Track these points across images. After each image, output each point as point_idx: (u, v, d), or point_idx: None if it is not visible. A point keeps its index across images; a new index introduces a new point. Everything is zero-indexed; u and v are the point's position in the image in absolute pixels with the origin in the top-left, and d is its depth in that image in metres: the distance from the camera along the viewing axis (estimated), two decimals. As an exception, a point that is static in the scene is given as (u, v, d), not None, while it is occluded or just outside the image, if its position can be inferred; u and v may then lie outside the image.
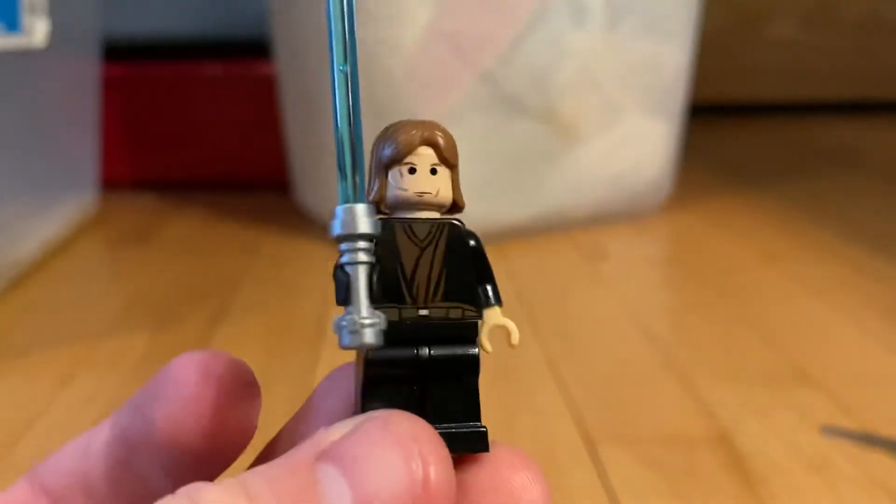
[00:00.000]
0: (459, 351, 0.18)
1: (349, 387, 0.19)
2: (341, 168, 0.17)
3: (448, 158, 0.19)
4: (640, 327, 0.57)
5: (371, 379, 0.18)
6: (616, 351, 0.54)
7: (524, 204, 0.75)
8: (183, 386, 0.18)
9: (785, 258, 0.71)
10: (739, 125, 1.34)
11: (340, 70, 0.18)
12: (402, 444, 0.15)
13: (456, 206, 0.19)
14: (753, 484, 0.38)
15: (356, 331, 0.16)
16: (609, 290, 0.65)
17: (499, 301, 0.19)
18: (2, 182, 0.63)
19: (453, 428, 0.18)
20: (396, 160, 0.18)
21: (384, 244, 0.18)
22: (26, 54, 0.63)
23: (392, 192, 0.18)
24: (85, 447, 0.20)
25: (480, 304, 0.19)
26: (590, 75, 0.75)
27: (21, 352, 0.53)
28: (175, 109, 0.93)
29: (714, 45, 1.16)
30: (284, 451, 0.16)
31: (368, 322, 0.16)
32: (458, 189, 0.19)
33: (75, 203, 0.79)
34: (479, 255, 0.19)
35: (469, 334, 0.18)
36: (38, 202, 0.71)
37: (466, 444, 0.18)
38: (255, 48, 0.90)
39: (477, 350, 0.18)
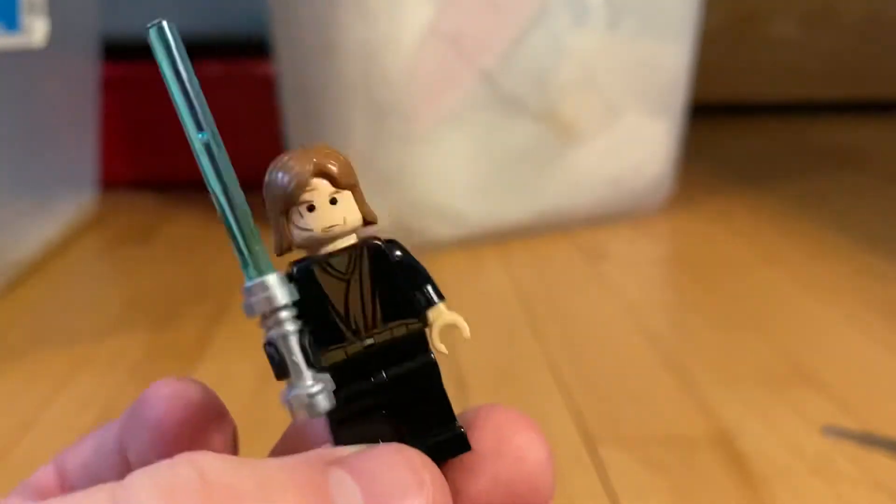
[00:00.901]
0: (414, 363, 0.18)
1: None
2: (237, 246, 0.16)
3: (343, 181, 0.18)
4: (640, 327, 0.57)
5: (337, 420, 0.17)
6: (616, 351, 0.54)
7: (524, 204, 0.75)
8: (154, 417, 0.19)
9: (785, 258, 0.71)
10: (739, 125, 1.34)
11: (200, 140, 0.17)
12: (414, 467, 0.16)
13: (368, 223, 0.18)
14: (754, 484, 0.38)
15: (306, 403, 0.16)
16: (609, 290, 0.65)
17: (440, 297, 0.19)
18: (1, 182, 0.63)
19: (432, 438, 0.18)
20: (292, 201, 0.18)
21: (308, 289, 0.17)
22: (26, 54, 0.63)
23: (297, 234, 0.18)
24: (99, 443, 0.20)
25: (421, 310, 0.18)
26: (590, 75, 0.75)
27: (20, 352, 0.53)
28: (175, 109, 0.93)
29: (714, 45, 1.16)
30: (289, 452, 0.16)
31: (316, 390, 0.16)
32: (364, 204, 0.18)
33: (75, 203, 0.79)
34: (405, 264, 0.18)
35: (420, 344, 0.18)
36: (38, 202, 0.71)
37: (450, 450, 0.18)
38: (255, 48, 0.90)
39: (432, 355, 0.18)
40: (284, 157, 0.18)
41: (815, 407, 0.45)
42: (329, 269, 0.18)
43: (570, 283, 0.67)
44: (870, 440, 0.41)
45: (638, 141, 0.80)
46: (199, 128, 0.17)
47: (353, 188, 0.18)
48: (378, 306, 0.18)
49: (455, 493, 0.18)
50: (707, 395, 0.46)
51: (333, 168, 0.18)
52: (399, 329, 0.18)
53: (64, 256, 0.72)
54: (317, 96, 0.73)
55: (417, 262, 0.19)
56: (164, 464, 0.14)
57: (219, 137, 0.17)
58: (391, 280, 0.18)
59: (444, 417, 0.18)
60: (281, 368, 0.16)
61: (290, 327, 0.16)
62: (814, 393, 0.47)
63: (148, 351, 0.53)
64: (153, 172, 0.95)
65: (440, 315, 0.18)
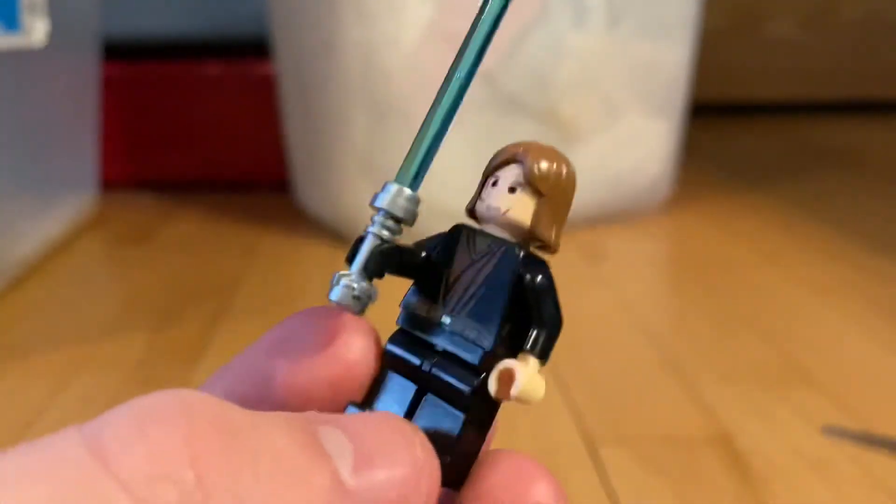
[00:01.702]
0: (454, 377, 0.17)
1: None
2: (415, 153, 0.18)
3: (535, 184, 0.17)
4: (640, 327, 0.57)
5: (383, 362, 0.18)
6: (616, 351, 0.54)
7: (524, 204, 0.75)
8: (304, 341, 0.18)
9: (785, 258, 0.71)
10: (739, 125, 1.34)
11: (458, 77, 0.19)
12: (406, 432, 0.15)
13: (533, 239, 0.18)
14: (754, 484, 0.38)
15: (341, 289, 0.17)
16: (609, 290, 0.65)
17: (539, 352, 0.17)
18: (2, 182, 0.63)
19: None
20: (488, 172, 0.18)
21: (446, 247, 0.18)
22: (26, 54, 0.63)
23: (478, 201, 0.18)
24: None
25: (499, 336, 0.17)
26: (590, 75, 0.75)
27: (21, 351, 0.53)
28: (175, 109, 0.93)
29: (714, 45, 1.16)
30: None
31: (353, 286, 0.17)
32: (545, 223, 0.17)
33: (75, 203, 0.79)
34: (537, 294, 0.17)
35: (473, 361, 0.17)
36: (38, 202, 0.71)
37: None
38: (255, 48, 0.90)
39: (470, 389, 0.17)
40: (520, 142, 0.19)
41: (815, 407, 0.45)
42: (470, 241, 0.18)
43: (570, 283, 0.67)
44: (870, 440, 0.41)
45: (638, 141, 0.80)
46: (465, 71, 0.19)
47: (541, 197, 0.17)
48: (474, 300, 0.17)
49: None
50: (707, 395, 0.46)
51: (533, 164, 0.18)
52: (471, 332, 0.17)
53: (64, 256, 0.72)
54: (317, 96, 0.73)
55: (553, 304, 0.17)
56: (147, 395, 0.13)
57: (468, 86, 0.19)
58: (500, 291, 0.17)
59: (441, 443, 0.16)
60: (351, 256, 0.17)
61: (385, 234, 0.17)
62: (814, 393, 0.47)
63: (148, 351, 0.53)
64: (153, 172, 0.95)
65: (523, 361, 0.17)
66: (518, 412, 0.44)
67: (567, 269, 0.70)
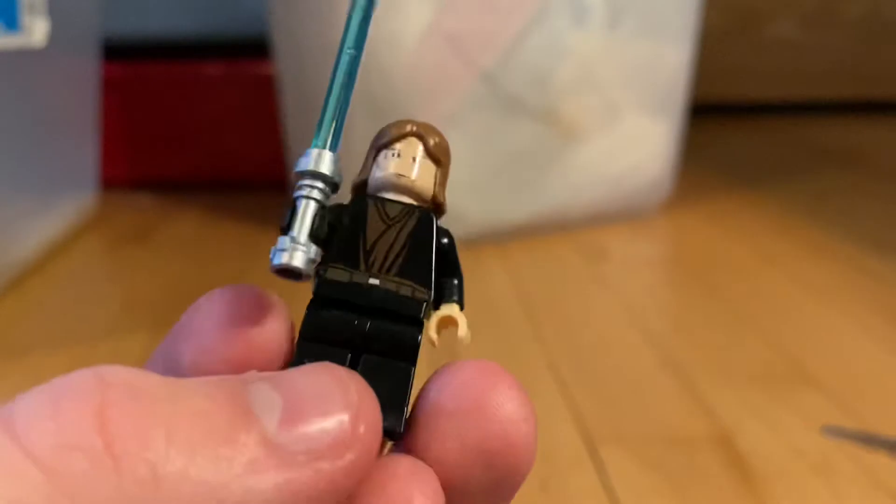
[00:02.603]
0: (398, 334, 0.18)
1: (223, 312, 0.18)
2: (325, 117, 0.18)
3: (435, 154, 0.19)
4: (641, 327, 0.57)
5: (305, 335, 0.17)
6: (616, 351, 0.54)
7: (524, 204, 0.75)
8: (207, 321, 0.18)
9: (785, 258, 0.71)
10: (739, 125, 1.34)
11: (349, 51, 0.19)
12: (340, 378, 0.15)
13: (438, 207, 0.19)
14: (754, 484, 0.38)
15: (287, 251, 0.16)
16: (609, 290, 0.65)
17: (461, 301, 0.19)
18: (2, 182, 0.63)
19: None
20: (385, 145, 0.19)
21: (353, 215, 0.18)
22: (26, 54, 0.63)
23: (376, 174, 0.19)
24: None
25: (432, 291, 0.18)
26: (590, 75, 0.75)
27: (21, 351, 0.53)
28: (175, 109, 0.93)
29: (714, 45, 1.16)
30: None
31: (302, 247, 0.16)
32: (442, 189, 0.19)
33: (75, 203, 0.79)
34: (449, 254, 0.19)
35: (415, 314, 0.18)
36: (38, 202, 0.71)
37: (387, 422, 0.17)
38: (255, 48, 0.90)
39: (419, 336, 0.18)
40: (402, 119, 0.20)
41: (815, 407, 0.45)
42: (381, 208, 0.19)
43: (570, 283, 0.67)
44: (870, 440, 0.41)
45: (638, 141, 0.80)
46: (354, 44, 0.20)
47: (440, 165, 0.19)
48: (400, 260, 0.18)
49: (424, 460, 0.16)
50: (707, 395, 0.46)
51: (431, 139, 0.19)
52: (406, 288, 0.18)
53: (64, 256, 0.72)
54: (317, 96, 0.73)
55: (459, 264, 0.19)
56: (67, 374, 0.13)
57: (360, 59, 0.19)
58: (423, 251, 0.18)
59: (395, 398, 0.17)
60: (289, 222, 0.17)
61: (318, 196, 0.17)
62: (814, 393, 0.47)
63: (148, 351, 0.53)
64: (153, 172, 0.95)
65: (451, 309, 0.19)
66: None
67: (567, 269, 0.70)
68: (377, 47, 0.68)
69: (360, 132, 0.76)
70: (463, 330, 0.18)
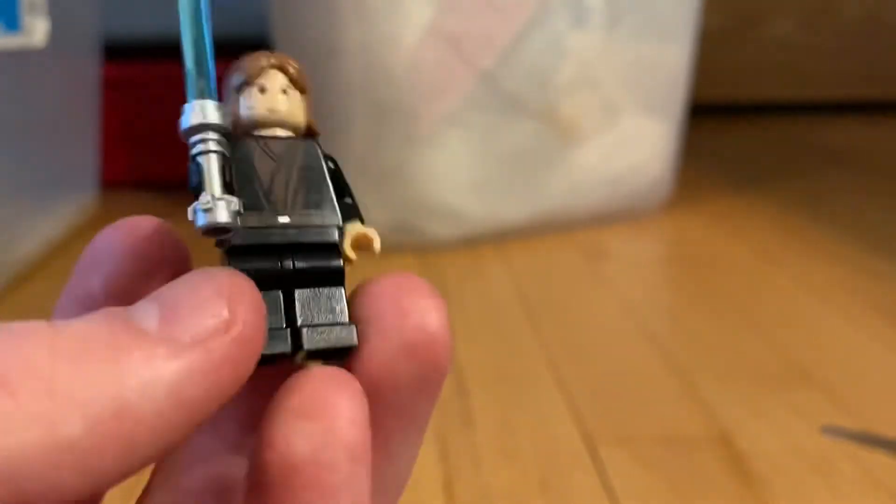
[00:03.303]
0: (324, 262, 0.18)
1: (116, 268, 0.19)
2: (188, 66, 0.17)
3: (299, 81, 0.19)
4: (641, 327, 0.57)
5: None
6: (616, 351, 0.54)
7: (524, 204, 0.75)
8: (108, 255, 0.18)
9: (785, 258, 0.71)
10: (739, 125, 1.34)
11: None
12: (208, 272, 0.16)
13: (311, 132, 0.19)
14: (754, 484, 0.38)
15: (209, 209, 0.16)
16: (609, 290, 0.65)
17: (359, 215, 0.19)
18: (2, 182, 0.63)
19: (320, 325, 0.18)
20: (247, 83, 0.19)
21: (239, 160, 0.18)
22: (26, 54, 0.63)
23: (244, 113, 0.18)
24: (61, 305, 0.20)
25: (340, 215, 0.19)
26: (590, 75, 0.75)
27: (21, 352, 0.53)
28: (175, 109, 0.93)
29: (714, 45, 1.16)
30: None
31: (221, 200, 0.16)
32: (310, 114, 0.19)
33: (75, 203, 0.79)
34: (338, 175, 0.19)
35: (332, 242, 0.18)
36: (38, 202, 0.71)
37: (334, 336, 0.18)
38: (255, 48, 0.90)
39: (341, 261, 0.18)
40: (251, 53, 0.19)
41: (815, 407, 0.45)
42: (265, 148, 0.18)
43: (571, 283, 0.67)
44: (870, 440, 0.41)
45: (638, 141, 0.80)
46: None
47: (304, 93, 0.19)
48: (301, 193, 0.18)
49: (350, 366, 0.17)
50: (707, 395, 0.46)
51: (291, 67, 0.19)
52: (315, 218, 0.18)
53: (64, 256, 0.72)
54: (317, 96, 0.73)
55: (347, 181, 0.19)
56: None
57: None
58: (319, 179, 0.18)
59: (338, 314, 0.18)
60: (198, 182, 0.17)
61: (216, 148, 0.17)
62: (814, 393, 0.47)
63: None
64: (153, 172, 0.95)
65: (357, 226, 0.19)
66: (518, 411, 0.44)
67: (567, 269, 0.70)
68: (377, 47, 0.68)
69: (361, 132, 0.76)
70: (377, 244, 0.19)
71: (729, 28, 1.35)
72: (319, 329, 0.17)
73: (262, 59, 0.19)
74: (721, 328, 0.57)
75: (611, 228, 0.79)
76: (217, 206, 0.16)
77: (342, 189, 0.19)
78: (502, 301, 0.62)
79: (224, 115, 0.17)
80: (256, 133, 0.19)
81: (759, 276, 0.68)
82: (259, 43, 0.89)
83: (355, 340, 0.17)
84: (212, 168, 0.17)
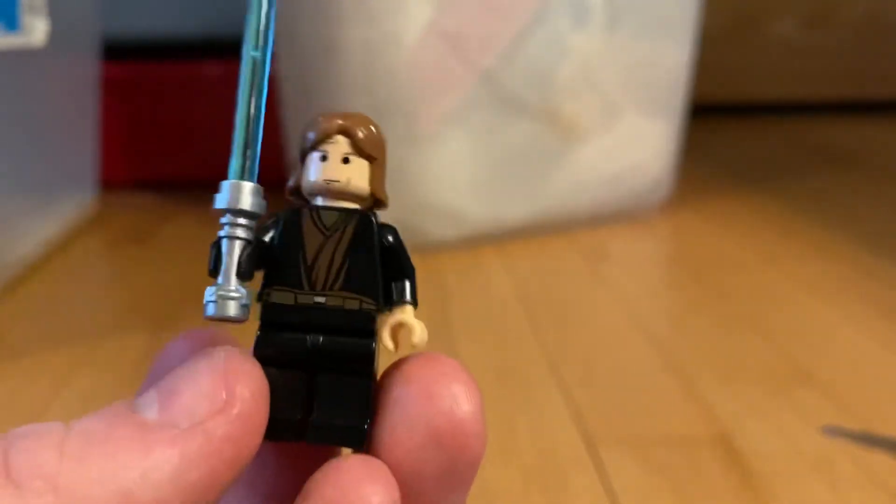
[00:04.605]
0: (352, 342, 0.17)
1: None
2: (236, 144, 0.17)
3: (364, 149, 0.18)
4: (641, 327, 0.57)
5: (260, 359, 0.17)
6: (616, 351, 0.54)
7: (524, 204, 0.75)
8: (173, 361, 0.18)
9: (785, 258, 0.71)
10: (739, 125, 1.34)
11: (251, 55, 0.19)
12: (213, 360, 0.16)
13: (378, 203, 0.18)
14: (754, 484, 0.38)
15: (218, 301, 0.17)
16: (609, 290, 0.65)
17: (414, 301, 0.18)
18: (2, 182, 0.63)
19: (336, 420, 0.17)
20: (312, 147, 0.18)
21: (289, 230, 0.18)
22: (26, 54, 0.63)
23: (305, 180, 0.18)
24: None
25: (382, 297, 0.18)
26: (590, 75, 0.75)
27: (20, 352, 0.53)
28: (175, 109, 0.93)
29: (714, 45, 1.16)
30: None
31: (233, 295, 0.17)
32: (380, 184, 0.18)
33: (75, 203, 0.79)
34: (395, 252, 0.18)
35: (365, 327, 0.17)
36: (38, 202, 0.71)
37: (341, 438, 0.17)
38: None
39: (373, 344, 0.17)
40: (326, 112, 0.18)
41: (815, 407, 0.45)
42: (316, 218, 0.18)
43: (571, 283, 0.67)
44: (870, 440, 0.41)
45: (638, 141, 0.80)
46: (255, 45, 0.19)
47: (373, 161, 0.18)
48: (343, 273, 0.17)
49: (377, 453, 0.17)
50: (707, 395, 0.46)
51: (359, 132, 0.18)
52: (352, 302, 0.17)
53: (64, 256, 0.72)
54: (317, 96, 0.73)
55: (408, 258, 0.18)
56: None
57: (267, 62, 0.18)
58: (366, 256, 0.18)
59: (356, 410, 0.17)
60: (215, 266, 0.17)
61: (242, 234, 0.17)
62: (814, 393, 0.47)
63: (148, 351, 0.53)
64: (153, 172, 0.95)
65: (403, 313, 0.18)
66: (518, 412, 0.44)
67: (567, 269, 0.70)
68: (377, 46, 0.68)
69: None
70: (417, 335, 0.18)
71: (729, 28, 1.35)
72: (327, 429, 0.17)
73: (330, 121, 0.18)
74: (721, 328, 0.57)
75: (611, 228, 0.79)
76: (226, 299, 0.17)
77: (399, 266, 0.18)
78: (502, 301, 0.62)
79: (258, 200, 0.17)
80: (315, 202, 0.18)
81: (759, 275, 0.68)
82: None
83: (361, 444, 0.17)
84: (231, 255, 0.17)
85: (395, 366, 0.17)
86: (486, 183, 0.73)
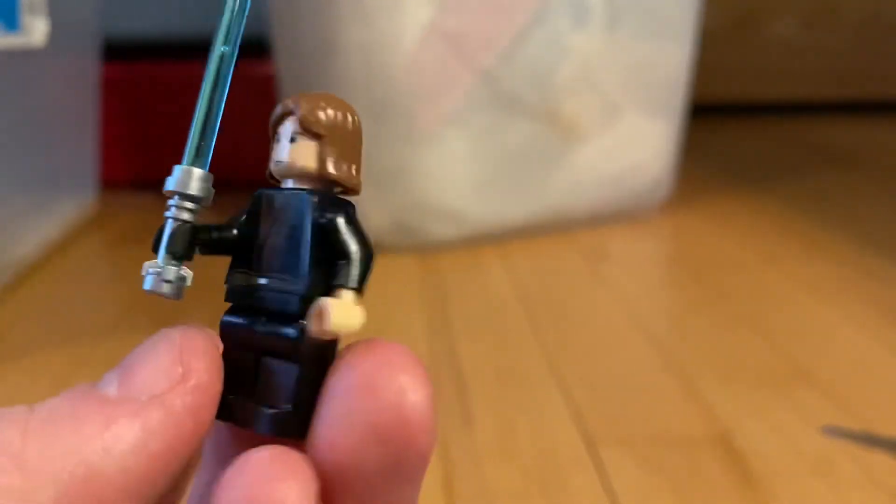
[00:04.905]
0: (282, 329, 0.17)
1: None
2: (193, 131, 0.18)
3: (310, 128, 0.18)
4: (641, 327, 0.57)
5: (224, 343, 0.18)
6: (616, 351, 0.54)
7: (524, 204, 0.75)
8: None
9: (785, 258, 0.71)
10: (739, 125, 1.34)
11: (220, 50, 0.19)
12: (170, 336, 0.17)
13: (330, 184, 0.18)
14: (754, 484, 0.38)
15: (151, 275, 0.17)
16: (609, 290, 0.65)
17: (353, 285, 0.17)
18: (1, 182, 0.63)
19: (260, 407, 0.17)
20: (270, 133, 0.18)
21: (250, 213, 0.18)
22: (26, 54, 0.63)
23: (270, 164, 0.18)
24: None
25: (313, 278, 0.17)
26: (590, 75, 0.75)
27: (21, 352, 0.53)
28: (175, 109, 0.93)
29: (714, 45, 1.16)
30: None
31: (165, 274, 0.17)
32: (332, 163, 0.18)
33: (75, 203, 0.79)
34: (334, 231, 0.17)
35: (292, 310, 0.17)
36: (38, 202, 0.71)
37: (267, 425, 0.17)
38: (255, 48, 0.90)
39: (296, 334, 0.17)
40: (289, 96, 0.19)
41: (815, 407, 0.45)
42: (269, 201, 0.18)
43: (571, 283, 0.67)
44: (870, 440, 0.41)
45: (638, 141, 0.80)
46: (225, 41, 0.19)
47: (319, 139, 0.18)
48: (280, 255, 0.17)
49: (317, 448, 0.16)
50: (707, 395, 0.46)
51: (302, 110, 0.18)
52: (283, 283, 0.17)
53: (64, 256, 0.72)
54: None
55: (356, 238, 0.17)
56: None
57: (234, 58, 0.19)
58: (302, 237, 0.17)
59: (287, 396, 0.17)
60: (155, 244, 0.18)
61: (182, 215, 0.18)
62: (814, 393, 0.47)
63: (148, 351, 0.53)
64: (153, 172, 0.95)
65: (337, 296, 0.16)
66: (518, 412, 0.44)
67: (567, 269, 0.70)
68: (377, 47, 0.68)
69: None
70: (328, 322, 0.16)
71: (729, 28, 1.35)
72: (253, 415, 0.17)
73: (286, 103, 0.18)
74: (721, 328, 0.57)
75: (611, 228, 0.79)
76: (152, 275, 0.17)
77: (341, 251, 0.17)
78: (502, 301, 0.62)
79: (206, 186, 0.18)
80: (277, 185, 0.18)
81: (759, 275, 0.68)
82: (258, 42, 0.89)
83: (286, 436, 0.16)
84: (167, 234, 0.18)
85: (344, 353, 0.17)
86: (486, 183, 0.73)
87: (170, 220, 0.18)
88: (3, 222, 0.63)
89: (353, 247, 0.17)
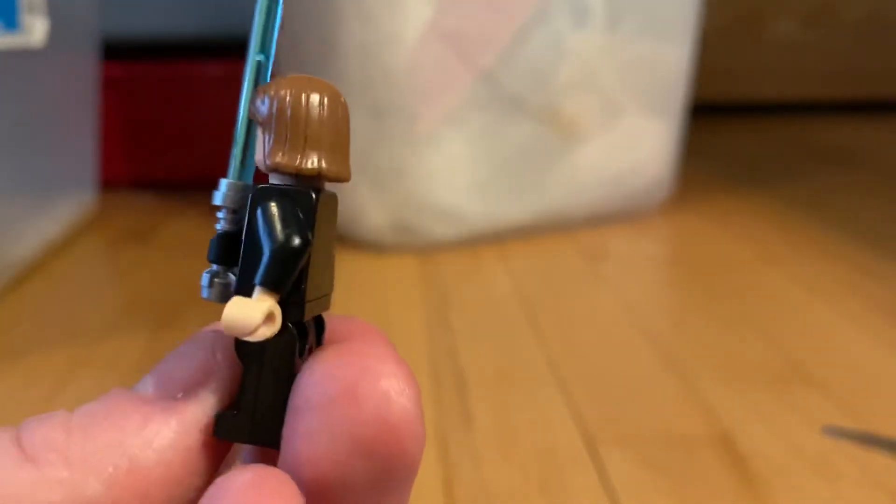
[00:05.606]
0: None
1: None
2: (236, 145, 0.18)
3: (254, 116, 0.18)
4: (641, 327, 0.57)
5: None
6: (616, 351, 0.54)
7: (524, 204, 0.75)
8: None
9: (785, 258, 0.71)
10: (739, 125, 1.34)
11: (255, 59, 0.19)
12: (203, 338, 0.17)
13: (278, 171, 0.17)
14: (754, 484, 0.38)
15: (206, 286, 0.18)
16: (609, 290, 0.65)
17: (261, 281, 0.16)
18: (1, 182, 0.63)
19: (224, 414, 0.17)
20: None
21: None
22: (26, 54, 0.63)
23: None
24: None
25: (241, 275, 0.17)
26: (590, 75, 0.75)
27: (20, 352, 0.53)
28: (175, 109, 0.93)
29: (714, 45, 1.16)
30: None
31: (217, 279, 0.18)
32: (268, 151, 0.17)
33: (75, 203, 0.79)
34: (257, 228, 0.17)
35: None
36: (38, 202, 0.71)
37: (214, 428, 0.16)
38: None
39: (211, 328, 0.18)
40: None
41: (815, 407, 0.45)
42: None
43: (570, 283, 0.67)
44: (870, 440, 0.41)
45: (638, 141, 0.80)
46: (261, 49, 0.19)
47: (262, 125, 0.17)
48: (242, 249, 0.17)
49: (297, 463, 0.15)
50: (707, 395, 0.46)
51: (252, 102, 0.18)
52: (232, 280, 0.18)
53: (64, 256, 0.72)
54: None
55: (270, 230, 0.16)
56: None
57: (270, 66, 0.19)
58: (246, 231, 0.17)
59: (239, 402, 0.17)
60: (212, 253, 0.18)
61: (224, 227, 0.18)
62: (814, 393, 0.47)
63: (148, 351, 0.53)
64: (153, 172, 0.95)
65: (255, 295, 0.16)
66: (518, 411, 0.44)
67: (567, 269, 0.70)
68: (377, 47, 0.68)
69: (360, 132, 0.76)
70: (222, 321, 0.16)
71: (729, 28, 1.35)
72: (219, 423, 0.17)
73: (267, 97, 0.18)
74: (721, 328, 0.57)
75: (611, 228, 0.79)
76: (212, 285, 0.18)
77: (266, 240, 0.16)
78: (502, 301, 0.62)
79: (237, 199, 0.18)
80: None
81: (759, 275, 0.68)
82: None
83: (223, 436, 0.16)
84: (218, 246, 0.18)
85: (317, 355, 0.16)
86: (486, 183, 0.73)
87: (220, 233, 0.18)
88: (3, 222, 0.63)
89: (265, 240, 0.16)
